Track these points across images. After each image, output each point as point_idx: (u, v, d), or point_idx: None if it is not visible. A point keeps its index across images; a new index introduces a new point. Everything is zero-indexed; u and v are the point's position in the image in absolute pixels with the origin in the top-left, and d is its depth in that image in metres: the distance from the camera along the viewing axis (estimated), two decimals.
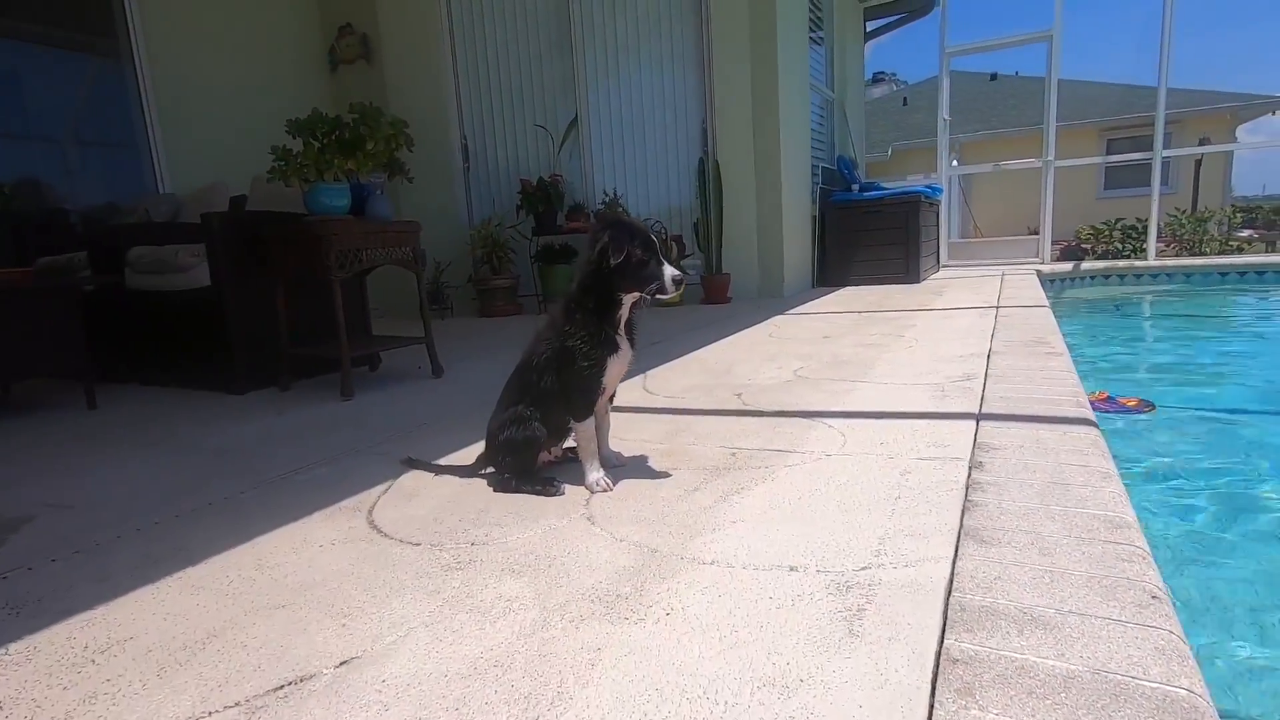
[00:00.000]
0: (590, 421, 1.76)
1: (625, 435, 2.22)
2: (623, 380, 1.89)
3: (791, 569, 1.25)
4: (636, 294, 1.64)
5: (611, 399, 1.90)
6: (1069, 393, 2.27)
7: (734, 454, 1.95)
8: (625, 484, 1.77)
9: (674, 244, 6.09)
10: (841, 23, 8.47)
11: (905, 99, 22.92)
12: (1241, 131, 18.02)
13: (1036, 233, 12.94)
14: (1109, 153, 15.07)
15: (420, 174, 6.83)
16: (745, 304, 5.88)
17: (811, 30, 7.25)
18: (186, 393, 3.43)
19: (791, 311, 5.18)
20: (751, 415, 2.36)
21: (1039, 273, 7.18)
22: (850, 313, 4.88)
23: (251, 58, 6.13)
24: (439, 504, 1.74)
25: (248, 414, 2.90)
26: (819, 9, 7.66)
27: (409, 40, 6.51)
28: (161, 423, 2.87)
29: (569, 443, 1.88)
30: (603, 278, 1.66)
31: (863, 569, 1.22)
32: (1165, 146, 8.29)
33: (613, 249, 1.59)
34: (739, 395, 2.67)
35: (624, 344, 1.73)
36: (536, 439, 1.75)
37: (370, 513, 1.71)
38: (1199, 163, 15.37)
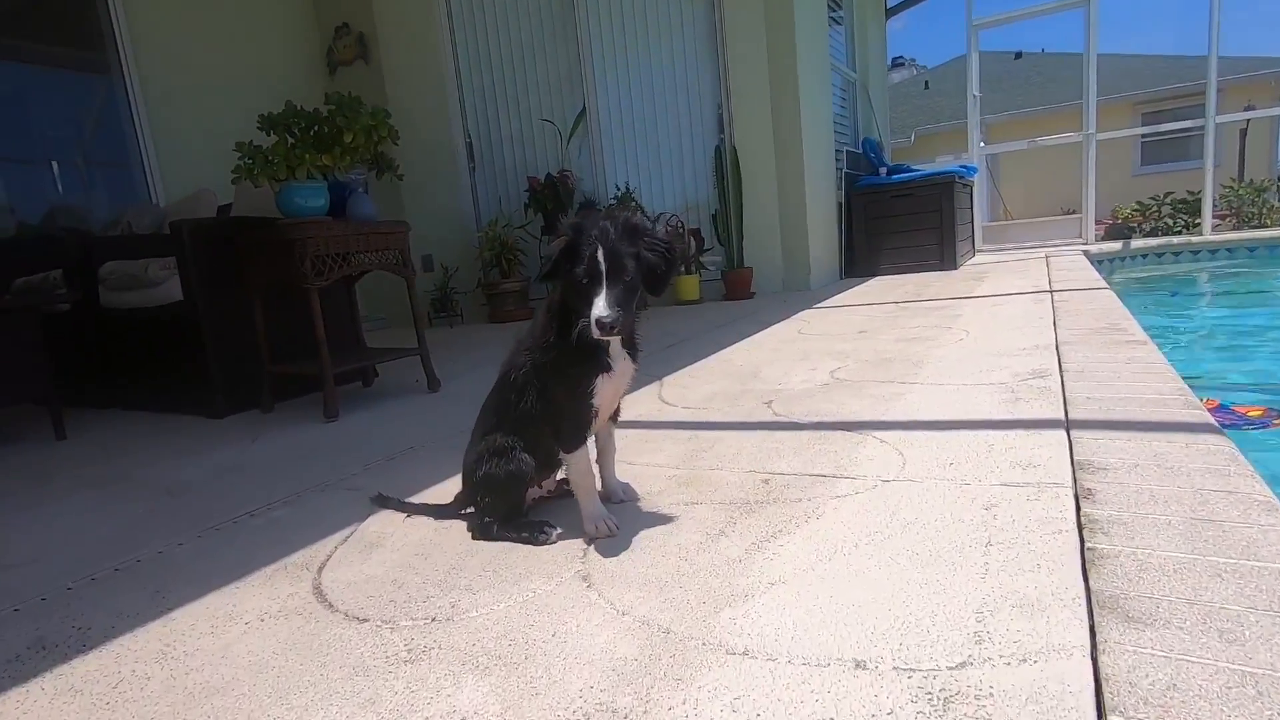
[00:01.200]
0: (584, 452, 1.41)
1: (635, 459, 1.87)
2: (632, 391, 1.55)
3: (858, 665, 0.89)
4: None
5: (615, 417, 1.56)
6: (1173, 390, 1.87)
7: (767, 481, 1.59)
8: (633, 527, 1.42)
9: (691, 238, 5.74)
10: (861, 1, 8.04)
11: (926, 82, 22.27)
12: None
13: (1071, 213, 12.35)
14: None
15: (424, 177, 6.59)
16: (770, 299, 5.50)
17: (830, 9, 6.83)
18: (164, 418, 3.16)
19: (821, 305, 4.79)
20: (786, 429, 2.00)
21: (1086, 253, 6.67)
22: (886, 303, 4.48)
23: (245, 64, 5.90)
24: (403, 558, 1.41)
25: (220, 441, 2.61)
26: None
27: (408, 38, 6.24)
28: (126, 455, 2.59)
29: (564, 473, 1.54)
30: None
31: (960, 666, 0.86)
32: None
33: (546, 261, 1.29)
34: (769, 404, 2.31)
35: (620, 360, 1.38)
36: (522, 474, 1.41)
37: (319, 573, 1.38)
38: (1244, 133, 14.56)
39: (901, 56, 26.77)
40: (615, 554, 1.31)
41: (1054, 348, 2.58)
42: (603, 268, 1.22)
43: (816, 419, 2.05)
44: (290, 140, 2.62)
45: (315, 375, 2.74)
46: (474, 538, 1.47)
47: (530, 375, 1.40)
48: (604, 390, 1.38)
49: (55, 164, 5.49)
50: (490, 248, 5.93)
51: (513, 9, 6.16)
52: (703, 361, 3.19)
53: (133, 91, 5.29)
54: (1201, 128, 7.91)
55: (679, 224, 5.70)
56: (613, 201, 5.84)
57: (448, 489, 1.74)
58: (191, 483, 2.11)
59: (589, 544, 1.37)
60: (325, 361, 2.70)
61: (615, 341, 1.36)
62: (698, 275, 5.82)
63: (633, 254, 1.26)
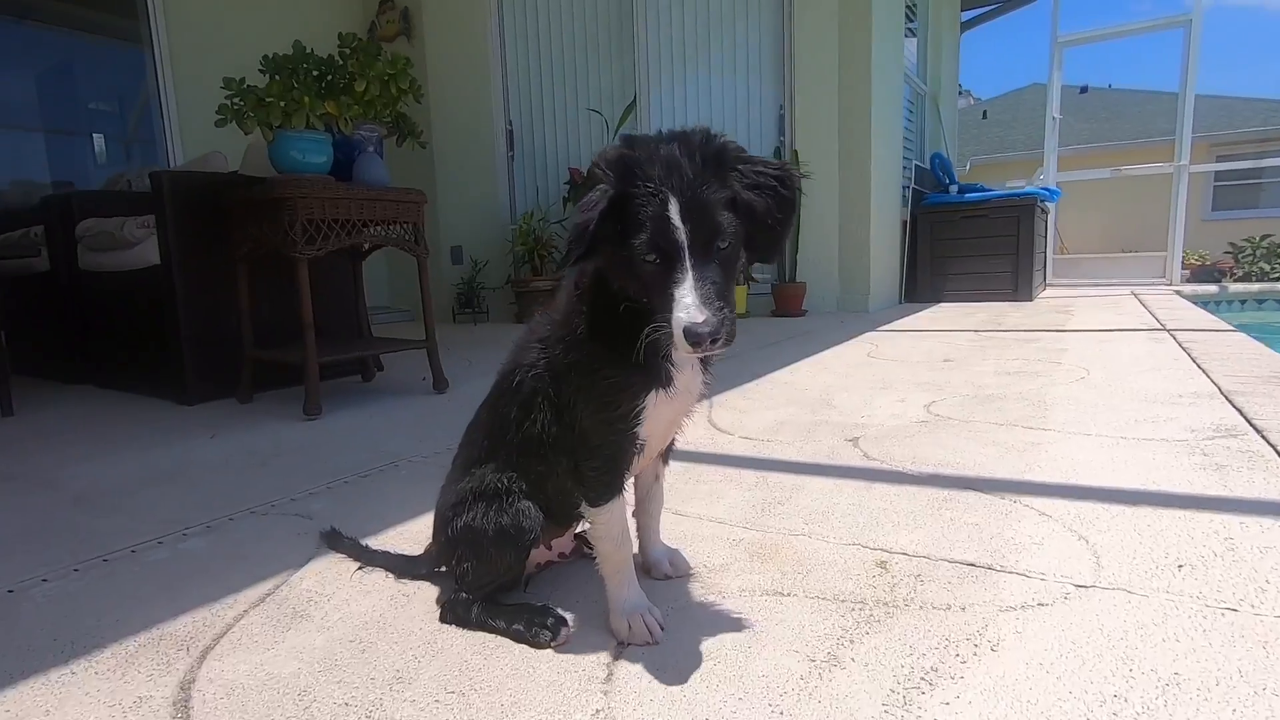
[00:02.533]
0: (618, 507, 0.91)
1: (684, 507, 1.36)
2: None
3: None
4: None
5: (667, 455, 1.05)
6: None
7: (885, 566, 1.07)
8: (686, 627, 0.91)
9: (746, 273, 5.22)
10: (937, 10, 7.50)
11: (985, 111, 21.58)
12: None
13: (1129, 251, 11.53)
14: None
15: (459, 163, 6.18)
16: (824, 318, 4.95)
17: (905, 19, 6.31)
18: (131, 401, 2.74)
19: (885, 328, 4.23)
20: (889, 479, 1.47)
21: (1179, 294, 5.99)
22: (965, 331, 3.90)
23: (285, 35, 5.56)
24: (330, 647, 0.91)
25: (174, 435, 2.16)
26: None
27: (453, 16, 5.87)
28: (65, 444, 2.16)
29: (584, 525, 1.03)
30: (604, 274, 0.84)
31: None
32: None
33: (573, 233, 0.76)
34: (854, 441, 1.78)
35: (684, 370, 0.88)
36: (520, 533, 0.91)
37: (201, 661, 0.90)
38: None
39: (958, 86, 26.10)
40: (661, 678, 0.80)
41: (1221, 397, 2.01)
42: (683, 235, 0.72)
43: (930, 469, 1.52)
44: (288, 82, 2.18)
45: (295, 364, 2.28)
46: (442, 619, 0.97)
47: (543, 381, 0.91)
48: (658, 415, 0.88)
49: (75, 133, 5.25)
50: (523, 242, 5.49)
51: None
52: (758, 382, 2.67)
53: (161, 63, 4.99)
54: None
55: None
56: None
57: (423, 528, 1.25)
58: (112, 489, 1.65)
59: (617, 654, 0.87)
60: (310, 348, 2.24)
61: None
62: (746, 286, 5.30)
63: (726, 200, 0.76)
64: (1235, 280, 7.65)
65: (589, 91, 5.84)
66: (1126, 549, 1.07)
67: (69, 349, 3.13)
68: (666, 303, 0.73)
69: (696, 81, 5.56)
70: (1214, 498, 1.25)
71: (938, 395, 2.28)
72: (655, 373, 0.85)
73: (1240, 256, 8.22)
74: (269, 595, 1.07)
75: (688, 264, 0.73)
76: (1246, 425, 1.69)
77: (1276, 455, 1.45)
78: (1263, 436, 1.59)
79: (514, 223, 5.82)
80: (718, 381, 2.58)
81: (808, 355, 3.24)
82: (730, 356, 3.30)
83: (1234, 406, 1.89)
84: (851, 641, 0.86)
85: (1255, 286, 6.86)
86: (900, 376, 2.64)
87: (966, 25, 8.67)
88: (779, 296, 5.26)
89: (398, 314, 6.14)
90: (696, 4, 5.45)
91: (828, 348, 3.46)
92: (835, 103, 5.20)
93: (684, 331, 0.70)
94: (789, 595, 0.99)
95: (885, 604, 0.95)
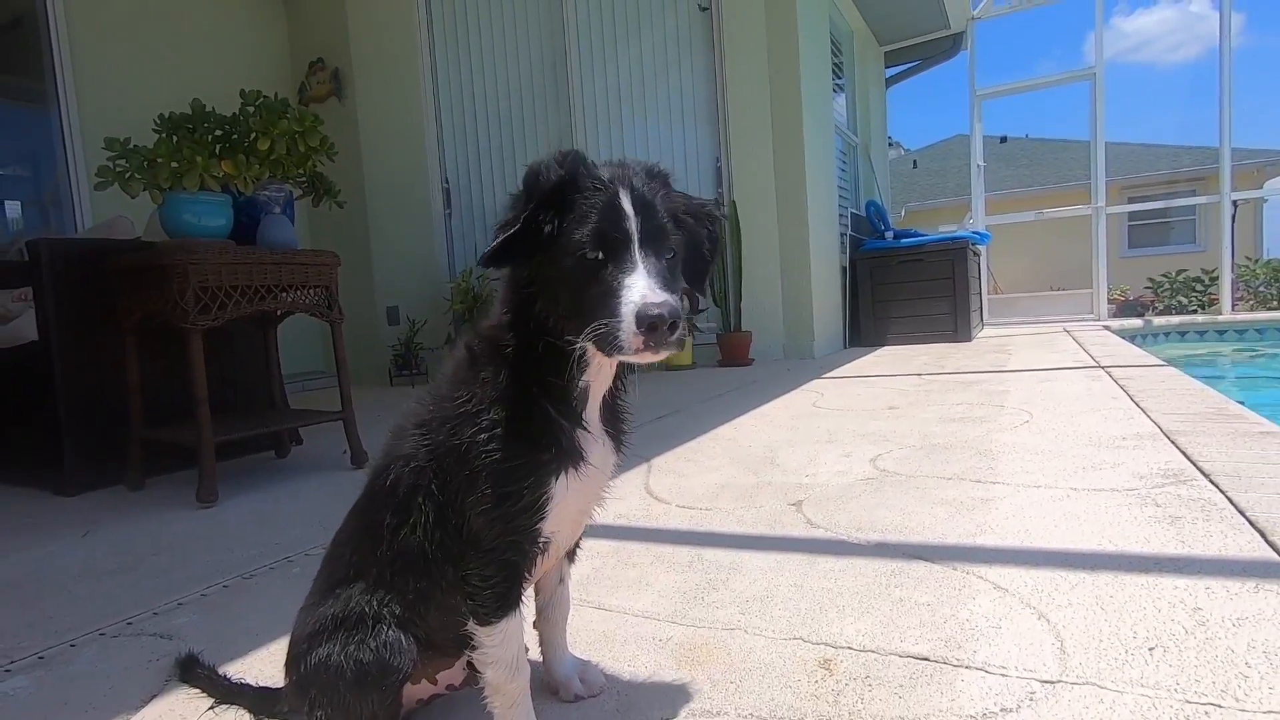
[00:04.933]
0: (514, 625, 0.76)
1: (607, 599, 1.20)
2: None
3: None
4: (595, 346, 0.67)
5: (572, 554, 0.91)
6: None
7: (829, 666, 0.93)
8: None
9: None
10: (863, 68, 7.83)
11: (915, 161, 22.65)
12: (1271, 186, 17.40)
13: (1057, 289, 12.05)
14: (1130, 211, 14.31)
15: (395, 222, 6.03)
16: (771, 366, 4.90)
17: (833, 75, 6.54)
18: (3, 491, 2.44)
19: (831, 375, 4.19)
20: (834, 552, 1.34)
21: (1108, 329, 6.19)
22: (909, 375, 3.89)
23: (205, 96, 5.41)
24: None
25: (39, 533, 1.90)
26: (839, 52, 7.00)
27: (385, 75, 5.82)
28: None
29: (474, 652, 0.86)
30: (524, 296, 0.72)
31: None
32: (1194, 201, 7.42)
33: (506, 216, 0.69)
34: (798, 506, 1.66)
35: (596, 445, 0.76)
36: (388, 672, 0.74)
37: None
38: (1234, 218, 14.65)
39: (888, 137, 27.44)
40: None
41: (1164, 438, 1.97)
42: (634, 225, 0.65)
43: (877, 537, 1.40)
44: (177, 140, 2.03)
45: (186, 446, 2.06)
46: None
47: (424, 476, 0.76)
48: (567, 503, 0.74)
49: None
50: (462, 300, 5.34)
51: (500, 51, 5.78)
52: (701, 439, 2.55)
53: (68, 125, 4.74)
54: (1192, 210, 7.63)
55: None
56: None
57: None
58: None
59: None
60: (203, 425, 2.02)
61: (594, 405, 0.75)
62: (690, 337, 5.23)
63: (670, 212, 0.70)
64: (1158, 314, 7.99)
65: (526, 145, 5.81)
66: (1091, 629, 0.96)
67: None
68: (609, 299, 0.64)
69: (634, 134, 5.59)
70: (1174, 557, 1.16)
71: (883, 447, 2.19)
72: (566, 448, 0.73)
73: (1159, 291, 8.62)
74: None
75: (638, 255, 0.65)
76: (1194, 470, 1.64)
77: (1229, 503, 1.39)
78: (1212, 482, 1.53)
79: (452, 280, 5.67)
80: (656, 444, 2.46)
81: (753, 408, 3.14)
82: (673, 411, 3.19)
83: (1178, 449, 1.84)
84: None
85: (1176, 320, 7.17)
86: (845, 427, 2.55)
87: (891, 80, 9.07)
88: (725, 346, 5.21)
89: (331, 377, 5.85)
90: (629, 56, 5.52)
91: (773, 398, 3.38)
92: (770, 153, 5.29)
93: (637, 316, 0.61)
94: (720, 715, 0.84)
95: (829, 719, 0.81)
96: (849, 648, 0.97)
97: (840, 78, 7.10)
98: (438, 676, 0.85)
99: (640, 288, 0.62)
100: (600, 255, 0.65)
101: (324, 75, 5.93)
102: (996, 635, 0.97)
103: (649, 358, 0.63)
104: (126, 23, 5.03)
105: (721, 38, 5.28)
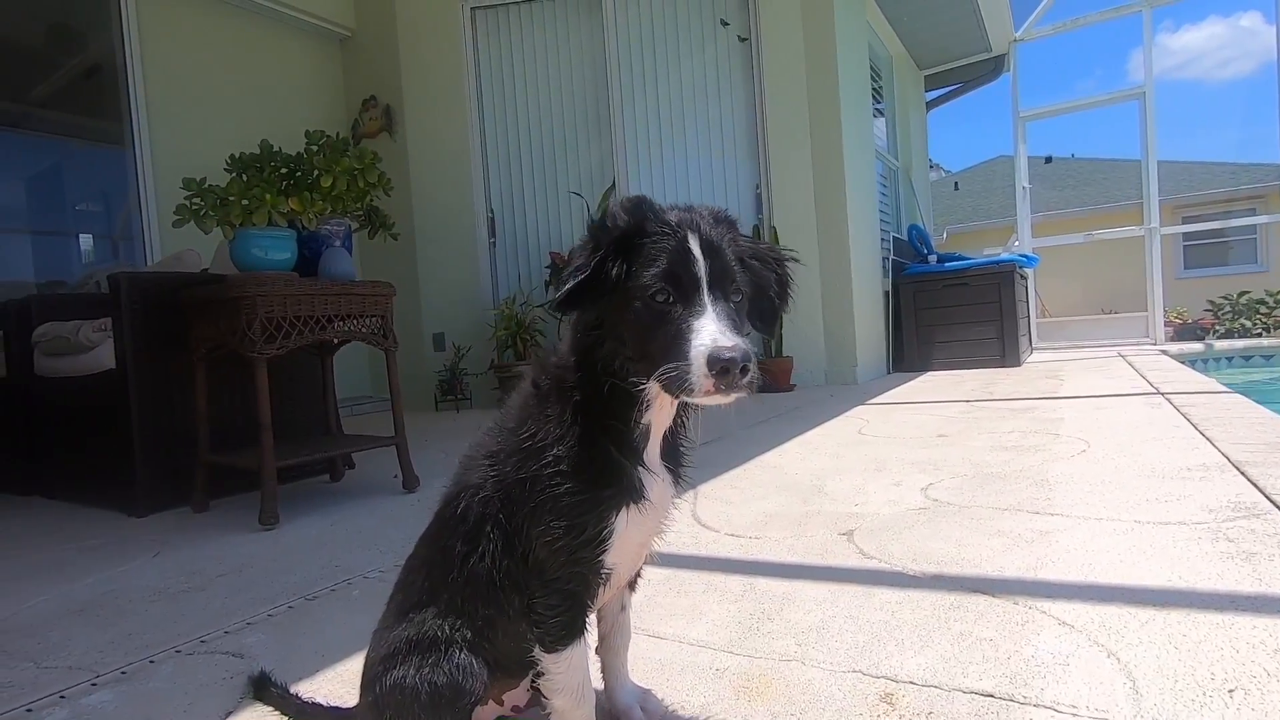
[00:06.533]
0: (578, 651, 0.78)
1: (661, 627, 1.21)
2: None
3: None
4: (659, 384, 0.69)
5: (634, 584, 0.93)
6: None
7: (890, 702, 0.92)
8: None
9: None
10: (903, 92, 7.83)
11: (956, 183, 22.36)
12: None
13: (1110, 312, 11.67)
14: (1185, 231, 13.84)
15: (441, 249, 6.21)
16: (813, 392, 4.86)
17: (873, 100, 6.56)
18: (78, 513, 2.57)
19: (875, 401, 4.14)
20: (889, 584, 1.33)
21: (1165, 353, 5.98)
22: (956, 402, 3.82)
23: (268, 134, 5.68)
24: None
25: (114, 553, 1.99)
26: (879, 77, 7.02)
27: (434, 110, 6.03)
28: None
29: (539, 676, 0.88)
30: (592, 339, 0.74)
31: None
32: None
33: (575, 261, 0.70)
34: (849, 536, 1.64)
35: (656, 482, 0.78)
36: (460, 695, 0.77)
37: None
38: None
39: (929, 160, 27.16)
40: None
41: (1233, 469, 1.90)
42: (702, 268, 0.67)
43: (934, 569, 1.38)
44: (247, 179, 2.14)
45: (249, 470, 2.15)
46: None
47: (492, 506, 0.79)
48: (628, 537, 0.76)
49: (64, 234, 5.26)
50: (506, 326, 5.44)
51: (543, 84, 5.95)
52: (746, 466, 2.54)
53: (141, 163, 5.04)
54: (1253, 229, 7.34)
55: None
56: None
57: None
58: (23, 626, 1.48)
59: None
60: (267, 452, 2.11)
61: (654, 443, 0.77)
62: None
63: (737, 256, 0.72)
64: (1218, 338, 7.68)
65: (569, 175, 5.94)
66: (1165, 668, 0.93)
67: (19, 459, 2.97)
68: (679, 342, 0.65)
69: (674, 162, 5.67)
70: (1251, 596, 1.12)
71: (934, 476, 2.16)
72: (627, 485, 0.75)
73: (1220, 313, 8.30)
74: None
75: (706, 298, 0.66)
76: (1267, 503, 1.58)
77: None
78: None
79: (496, 307, 5.79)
80: (701, 471, 2.46)
81: (797, 435, 3.12)
82: (717, 438, 3.19)
83: (1249, 480, 1.77)
84: None
85: (1240, 344, 6.88)
86: (894, 455, 2.52)
87: (932, 104, 9.03)
88: (766, 372, 5.19)
89: (379, 402, 6.01)
90: (670, 87, 5.63)
91: (817, 425, 3.35)
92: (810, 180, 5.31)
93: (709, 358, 0.62)
94: None
95: None
96: (910, 682, 0.96)
97: (880, 102, 7.11)
98: (504, 698, 0.88)
99: (711, 330, 0.64)
100: (670, 298, 0.67)
101: (376, 111, 6.18)
102: (1064, 673, 0.95)
103: (719, 400, 0.65)
104: (197, 69, 5.35)
105: (761, 67, 5.35)
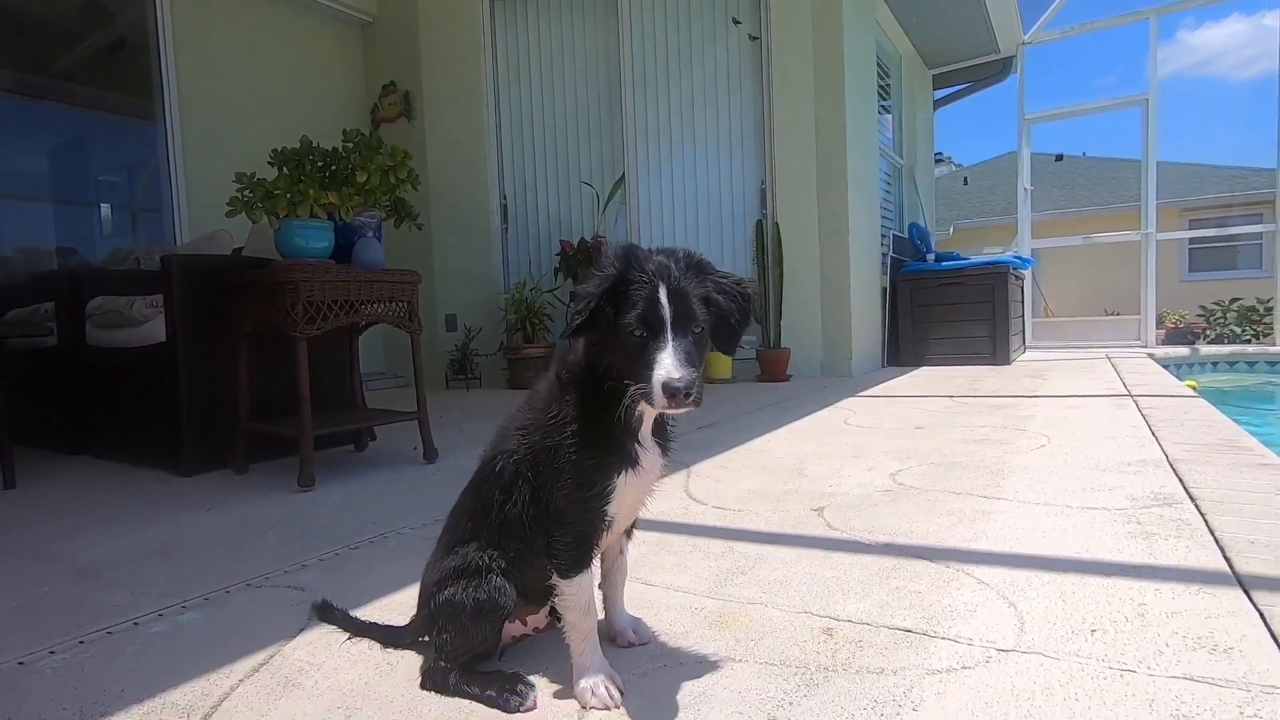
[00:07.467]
0: (587, 581, 1.02)
1: (653, 577, 1.46)
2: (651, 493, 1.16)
3: None
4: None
5: (631, 531, 1.17)
6: None
7: (830, 632, 1.17)
8: (644, 693, 1.01)
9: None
10: (910, 91, 7.97)
11: (966, 178, 22.35)
12: None
13: (1114, 313, 11.85)
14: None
15: (455, 234, 6.44)
16: (808, 383, 5.10)
17: (880, 98, 6.72)
18: (127, 472, 2.83)
19: (865, 393, 4.37)
20: (846, 549, 1.57)
21: (1151, 356, 6.19)
22: (940, 397, 4.05)
23: (290, 114, 5.89)
24: (320, 713, 1.00)
25: (170, 508, 2.25)
26: (887, 75, 7.17)
27: (451, 98, 6.23)
28: (66, 516, 2.24)
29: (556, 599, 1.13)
30: (595, 352, 0.99)
31: None
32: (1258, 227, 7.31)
33: (579, 304, 0.93)
34: (820, 511, 1.88)
35: (648, 453, 1.01)
36: (495, 608, 1.02)
37: None
38: None
39: (939, 153, 27.11)
40: None
41: (1167, 465, 2.13)
42: (667, 313, 0.89)
43: (885, 539, 1.62)
44: (295, 174, 2.37)
45: (289, 437, 2.39)
46: (423, 686, 1.06)
47: (523, 466, 1.03)
48: (625, 494, 1.00)
49: (84, 204, 5.48)
50: (515, 310, 5.68)
51: (558, 77, 6.13)
52: (737, 450, 2.78)
53: (173, 139, 5.27)
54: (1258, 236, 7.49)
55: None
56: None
57: (407, 599, 1.34)
58: (110, 562, 1.73)
59: (581, 718, 0.96)
60: (306, 422, 2.36)
61: (647, 425, 1.00)
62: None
63: (702, 296, 0.93)
64: (1208, 343, 7.87)
65: (580, 166, 6.15)
66: (1050, 615, 1.17)
67: (70, 420, 3.23)
68: (648, 367, 0.88)
69: (683, 156, 5.87)
70: (1137, 565, 1.36)
71: (905, 464, 2.39)
72: (626, 454, 0.99)
73: (1211, 319, 8.48)
74: (263, 665, 1.16)
75: (669, 336, 0.89)
76: (1183, 494, 1.81)
77: (1204, 524, 1.57)
78: (1195, 506, 1.70)
79: (507, 291, 6.02)
80: (697, 453, 2.70)
81: (786, 423, 3.36)
82: (713, 424, 3.42)
83: (1176, 475, 2.01)
84: (790, 704, 0.96)
85: (1226, 349, 7.08)
86: (872, 444, 2.76)
87: (940, 103, 9.16)
88: (764, 362, 5.42)
89: (391, 379, 6.27)
90: (681, 83, 5.81)
91: (807, 414, 3.59)
92: (813, 177, 5.49)
93: (663, 386, 0.86)
94: (740, 661, 1.09)
95: (825, 669, 1.05)
96: (848, 620, 1.21)
97: (886, 100, 7.26)
98: (527, 619, 1.12)
99: (668, 365, 0.86)
100: (644, 334, 0.90)
101: (395, 97, 6.38)
102: (971, 616, 1.19)
103: (673, 411, 0.89)
104: (225, 50, 5.55)
105: (770, 66, 5.52)
